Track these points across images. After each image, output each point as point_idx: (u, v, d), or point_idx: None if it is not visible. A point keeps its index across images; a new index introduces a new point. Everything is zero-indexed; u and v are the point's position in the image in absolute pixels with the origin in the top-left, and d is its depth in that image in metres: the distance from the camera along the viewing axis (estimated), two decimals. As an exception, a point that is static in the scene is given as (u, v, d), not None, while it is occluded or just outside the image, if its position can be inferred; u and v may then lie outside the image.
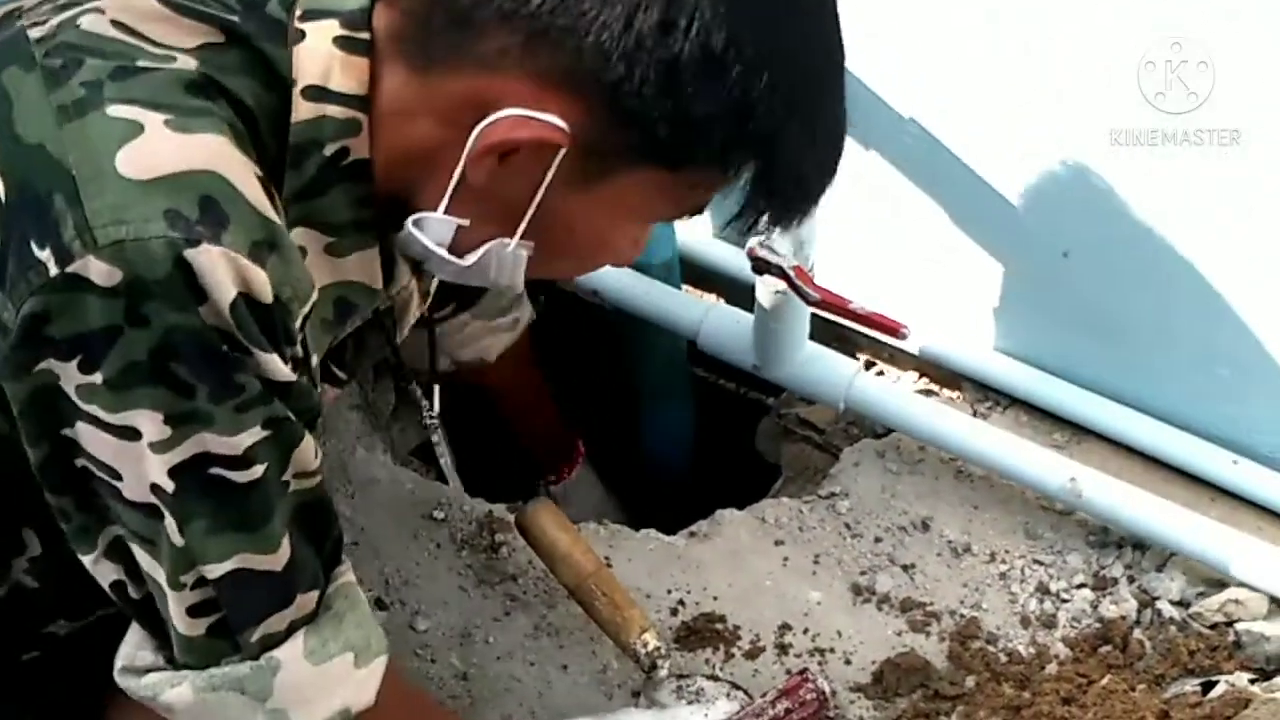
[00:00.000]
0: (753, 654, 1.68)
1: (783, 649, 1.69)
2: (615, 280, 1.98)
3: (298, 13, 1.09)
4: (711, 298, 2.10)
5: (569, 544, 1.64)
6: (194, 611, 1.13)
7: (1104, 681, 1.59)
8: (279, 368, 1.03)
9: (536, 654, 1.69)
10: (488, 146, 1.06)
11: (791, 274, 1.65)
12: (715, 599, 1.74)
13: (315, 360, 1.16)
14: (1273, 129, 1.52)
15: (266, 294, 0.99)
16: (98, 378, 0.98)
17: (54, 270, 0.95)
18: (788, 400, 2.08)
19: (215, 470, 1.04)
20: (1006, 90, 1.63)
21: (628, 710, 1.55)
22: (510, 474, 2.02)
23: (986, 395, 1.92)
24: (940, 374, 1.96)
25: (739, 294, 1.97)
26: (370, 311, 1.25)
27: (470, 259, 1.16)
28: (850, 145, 1.74)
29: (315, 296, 1.07)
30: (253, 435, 1.04)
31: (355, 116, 1.09)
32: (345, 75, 1.08)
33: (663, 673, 1.57)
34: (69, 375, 0.99)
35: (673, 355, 2.17)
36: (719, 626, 1.71)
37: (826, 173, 1.17)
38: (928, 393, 1.96)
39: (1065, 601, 1.71)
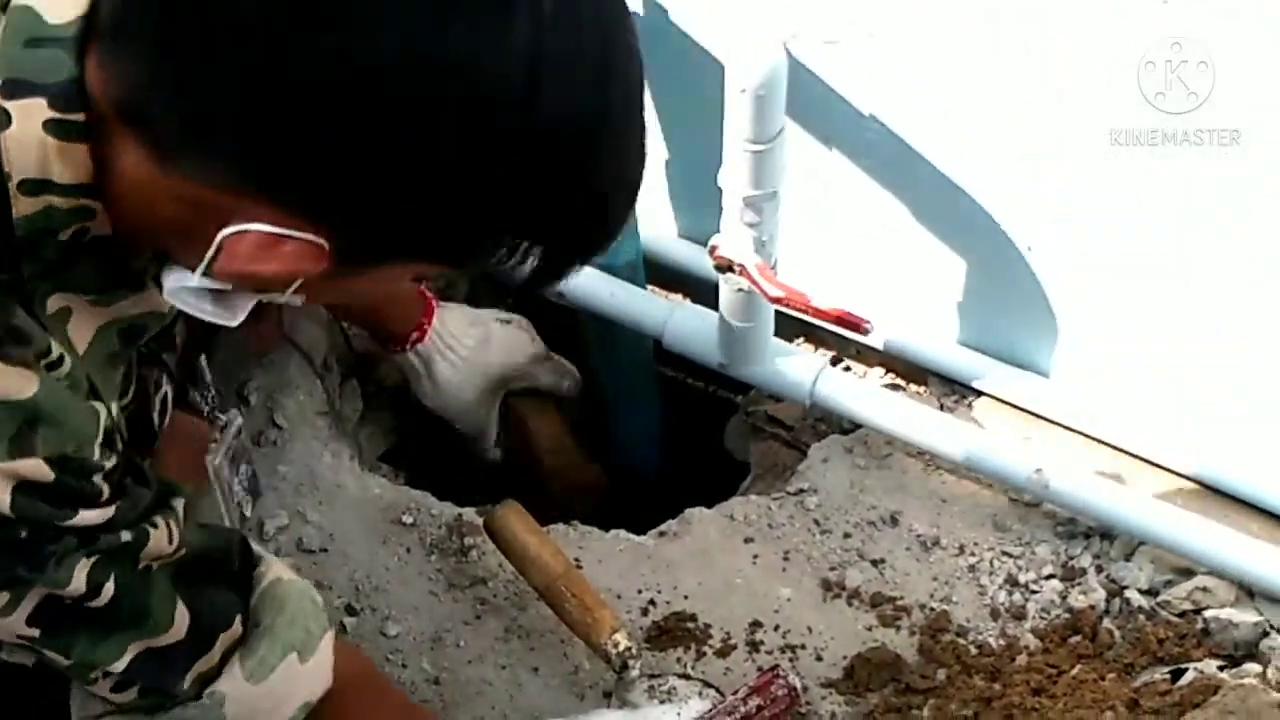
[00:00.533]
0: (724, 652, 1.68)
1: (754, 646, 1.69)
2: (580, 281, 1.97)
3: None
4: (677, 297, 2.10)
5: (538, 546, 1.64)
6: (118, 689, 1.16)
7: (1074, 671, 1.60)
8: (87, 517, 1.03)
9: (508, 657, 1.69)
10: (234, 260, 0.97)
11: (754, 271, 1.66)
12: (686, 598, 1.74)
13: (115, 409, 1.10)
14: (1273, 129, 1.52)
15: (44, 473, 0.98)
16: None
17: None
18: (756, 398, 2.08)
19: (69, 603, 1.06)
20: (1006, 89, 1.63)
21: (600, 711, 1.55)
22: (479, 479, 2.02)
23: (952, 389, 1.93)
24: (906, 368, 1.96)
25: (704, 293, 1.97)
26: (161, 325, 1.18)
27: (237, 319, 1.07)
28: (812, 143, 1.78)
29: (103, 418, 1.04)
30: (85, 568, 1.05)
31: (85, 204, 0.98)
32: (65, 166, 0.96)
33: (634, 673, 1.57)
34: None
35: (639, 355, 2.17)
36: (690, 625, 1.71)
37: (620, 219, 1.06)
38: (894, 387, 1.96)
39: (1034, 593, 1.71)
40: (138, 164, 0.97)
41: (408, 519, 1.81)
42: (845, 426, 1.93)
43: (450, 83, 0.88)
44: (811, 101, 1.71)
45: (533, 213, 0.98)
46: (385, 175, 0.92)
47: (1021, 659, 1.64)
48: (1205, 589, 1.65)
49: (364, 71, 0.87)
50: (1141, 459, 1.81)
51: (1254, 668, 1.58)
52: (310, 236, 0.95)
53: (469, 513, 1.83)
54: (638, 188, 1.05)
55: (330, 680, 1.29)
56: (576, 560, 1.75)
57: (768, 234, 1.65)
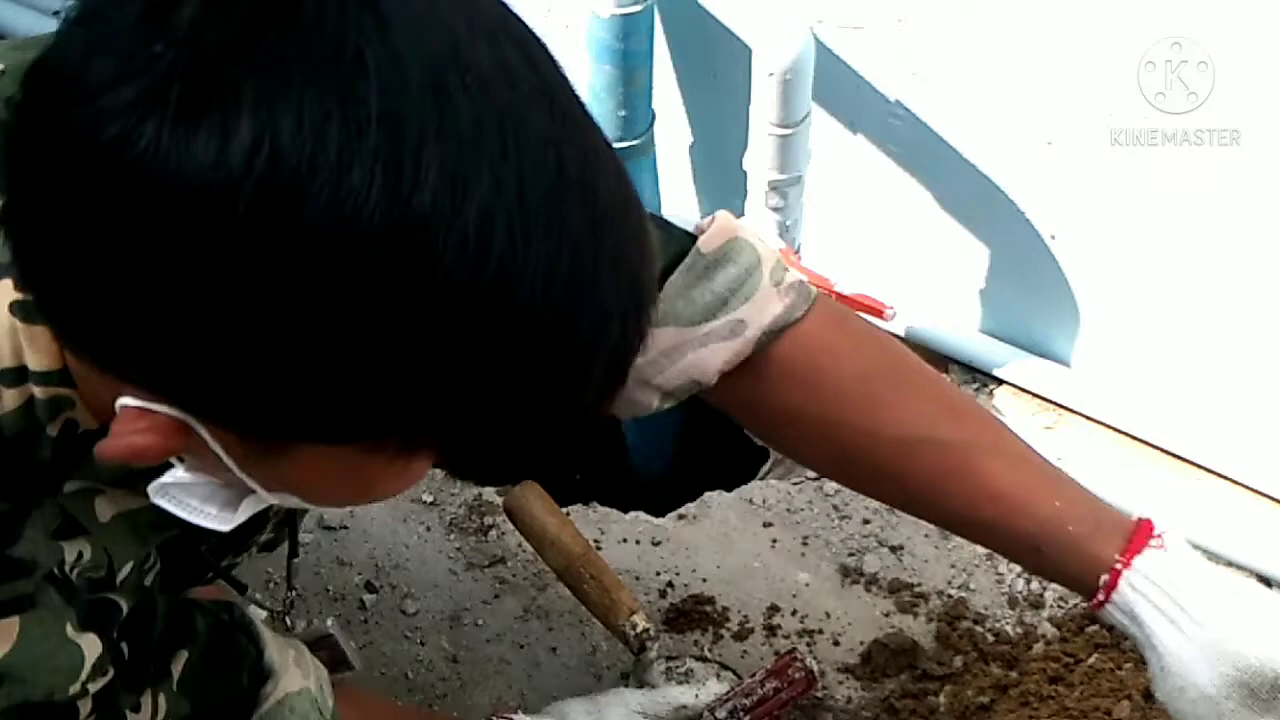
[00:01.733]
0: (741, 635, 1.69)
1: (771, 630, 1.69)
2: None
3: None
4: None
5: (557, 527, 1.64)
6: None
7: (1091, 660, 1.60)
8: None
9: (526, 636, 1.69)
10: (125, 437, 0.81)
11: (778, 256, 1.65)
12: (704, 581, 1.74)
13: (128, 567, 1.05)
14: (1273, 129, 1.52)
15: None
16: None
17: None
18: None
19: None
20: (1029, 77, 1.63)
21: (618, 691, 1.55)
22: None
23: (973, 376, 1.92)
24: (927, 356, 1.95)
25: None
26: None
27: (230, 522, 0.92)
28: (837, 128, 1.78)
29: (94, 654, 1.00)
30: None
31: (61, 393, 0.90)
32: (36, 351, 0.88)
33: (652, 654, 1.57)
34: None
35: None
36: (708, 608, 1.71)
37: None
38: (915, 375, 1.96)
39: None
40: (72, 357, 0.88)
41: (428, 497, 1.82)
42: (867, 412, 1.93)
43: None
44: (837, 86, 1.71)
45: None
46: (224, 355, 0.74)
47: (1039, 647, 1.64)
48: (1224, 580, 1.65)
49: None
50: (1161, 449, 1.81)
51: (1271, 660, 1.58)
52: (171, 411, 0.79)
53: (489, 492, 1.84)
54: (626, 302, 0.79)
55: None
56: (596, 541, 1.75)
57: (792, 219, 1.65)
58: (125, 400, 0.79)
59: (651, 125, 1.84)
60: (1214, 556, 1.66)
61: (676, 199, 2.05)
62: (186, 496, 0.89)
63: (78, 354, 0.83)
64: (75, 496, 0.97)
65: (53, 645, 0.97)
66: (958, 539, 1.76)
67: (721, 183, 1.95)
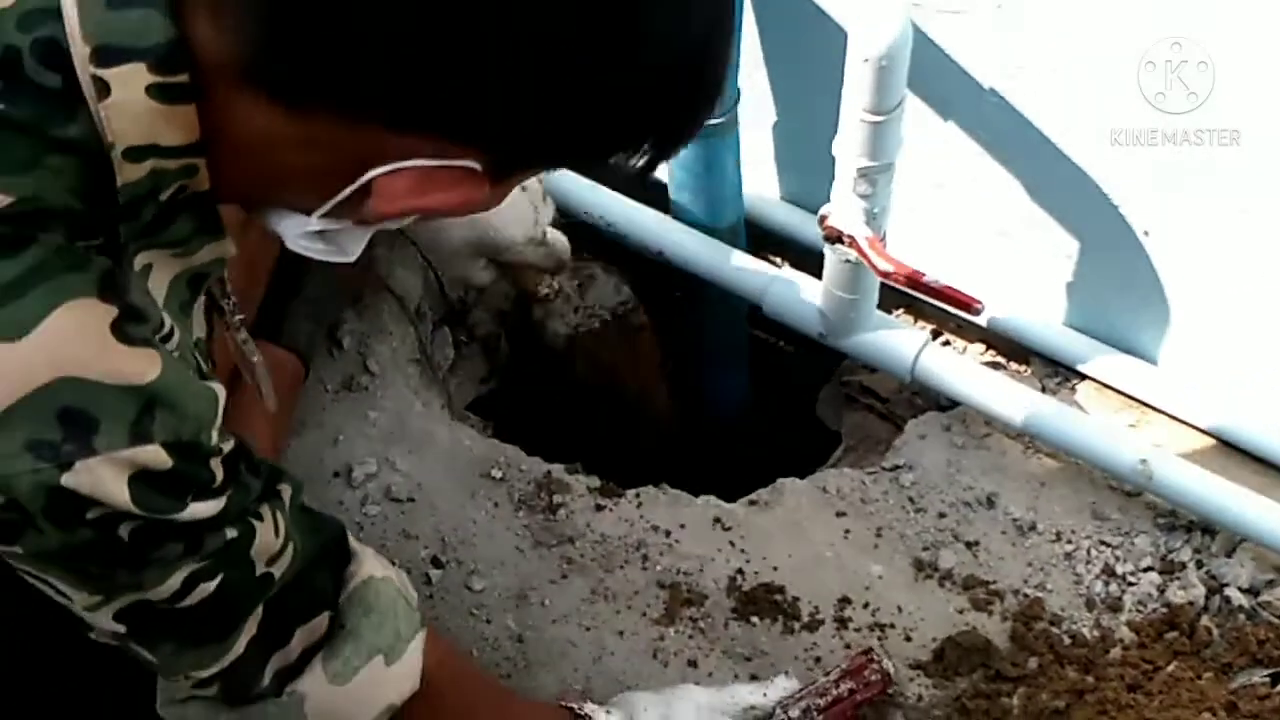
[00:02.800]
0: (812, 626, 1.66)
1: (842, 623, 1.67)
2: (680, 242, 1.95)
3: (85, 51, 0.91)
4: (777, 260, 2.07)
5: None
6: (200, 686, 1.15)
7: (1170, 668, 1.57)
8: (199, 510, 0.99)
9: (593, 619, 1.67)
10: (390, 198, 0.98)
11: (864, 244, 1.62)
12: (775, 569, 1.72)
13: (199, 333, 1.11)
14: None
15: (163, 460, 0.95)
16: (16, 549, 0.96)
17: None
18: (850, 367, 2.05)
19: (162, 607, 1.03)
20: (1128, 70, 1.58)
21: (686, 687, 1.53)
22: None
23: (1056, 370, 1.89)
24: (1009, 347, 1.93)
25: (804, 257, 1.95)
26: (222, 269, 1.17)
27: (351, 255, 1.11)
28: (929, 113, 1.74)
29: (221, 399, 1.02)
30: (186, 571, 1.02)
31: (190, 163, 0.97)
32: (172, 129, 0.94)
33: None
34: None
35: (734, 319, 2.15)
36: (778, 598, 1.69)
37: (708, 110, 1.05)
38: (995, 365, 1.93)
39: (1131, 585, 1.68)
40: (255, 116, 0.94)
41: (497, 473, 1.80)
42: (943, 403, 1.90)
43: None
44: (930, 71, 1.67)
45: (659, 109, 1.00)
46: (539, 94, 0.93)
47: (1116, 652, 1.61)
48: (1309, 590, 1.62)
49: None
50: (1247, 453, 1.77)
51: (1357, 675, 1.55)
52: (465, 162, 0.96)
53: (558, 469, 1.81)
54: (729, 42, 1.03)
55: (418, 683, 1.27)
56: (665, 529, 1.73)
57: (880, 206, 1.61)
58: (415, 162, 0.95)
59: (736, 104, 1.81)
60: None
61: (759, 179, 2.01)
62: (331, 241, 1.07)
63: (342, 123, 0.93)
64: (138, 277, 1.01)
65: (190, 378, 0.99)
66: (1035, 536, 1.73)
67: (805, 165, 1.92)
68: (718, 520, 1.77)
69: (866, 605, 1.68)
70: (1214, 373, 1.78)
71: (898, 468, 1.82)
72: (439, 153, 0.96)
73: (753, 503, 1.81)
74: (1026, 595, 1.68)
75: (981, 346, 1.96)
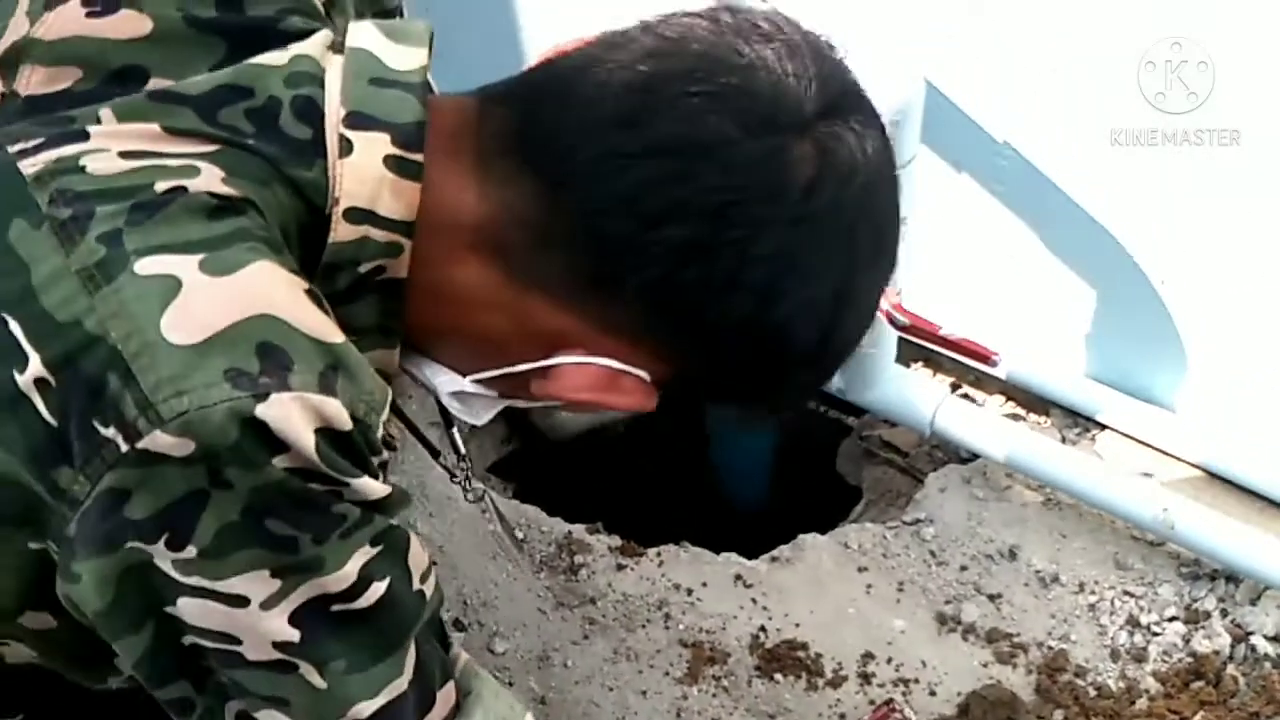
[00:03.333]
0: (835, 683, 1.66)
1: (866, 678, 1.66)
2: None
3: (341, 114, 0.99)
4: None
5: None
6: None
7: (1197, 718, 1.56)
8: (372, 487, 0.97)
9: (615, 679, 1.67)
10: (566, 385, 1.03)
11: (882, 300, 1.63)
12: (797, 625, 1.72)
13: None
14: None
15: (345, 421, 0.93)
16: (192, 550, 0.93)
17: (124, 447, 0.90)
18: (870, 422, 2.05)
19: (338, 607, 0.99)
20: (1141, 122, 1.60)
21: (710, 742, 1.53)
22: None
23: (1076, 421, 1.89)
24: (1028, 399, 1.92)
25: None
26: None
27: (482, 421, 1.14)
28: (943, 167, 1.75)
29: (389, 396, 1.00)
30: (363, 556, 0.98)
31: (398, 241, 1.01)
32: (395, 200, 0.99)
33: None
34: (160, 553, 0.93)
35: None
36: (801, 654, 1.68)
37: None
38: (1014, 417, 1.92)
39: (1156, 635, 1.67)
40: (469, 268, 1.00)
41: (518, 534, 1.80)
42: (963, 455, 1.90)
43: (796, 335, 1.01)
44: (943, 126, 1.68)
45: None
46: (751, 371, 1.02)
47: (1142, 703, 1.60)
48: (1335, 638, 1.61)
49: (767, 321, 0.99)
50: (1268, 500, 1.76)
51: (1385, 723, 1.54)
52: (643, 374, 1.02)
53: (579, 529, 1.81)
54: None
55: None
56: (687, 588, 1.73)
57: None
58: (606, 361, 1.00)
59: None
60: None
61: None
62: (470, 403, 1.10)
63: (560, 310, 1.00)
64: None
65: (365, 360, 1.00)
66: (1058, 588, 1.73)
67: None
68: (739, 577, 1.77)
69: (890, 660, 1.68)
70: (1231, 420, 1.78)
71: (919, 521, 1.82)
72: (630, 360, 1.01)
73: (774, 559, 1.81)
74: (1051, 647, 1.67)
75: (1001, 399, 1.96)
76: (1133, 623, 1.69)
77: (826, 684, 1.66)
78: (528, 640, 1.71)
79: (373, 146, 0.98)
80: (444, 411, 1.20)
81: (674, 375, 1.04)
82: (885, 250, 1.07)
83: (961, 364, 1.94)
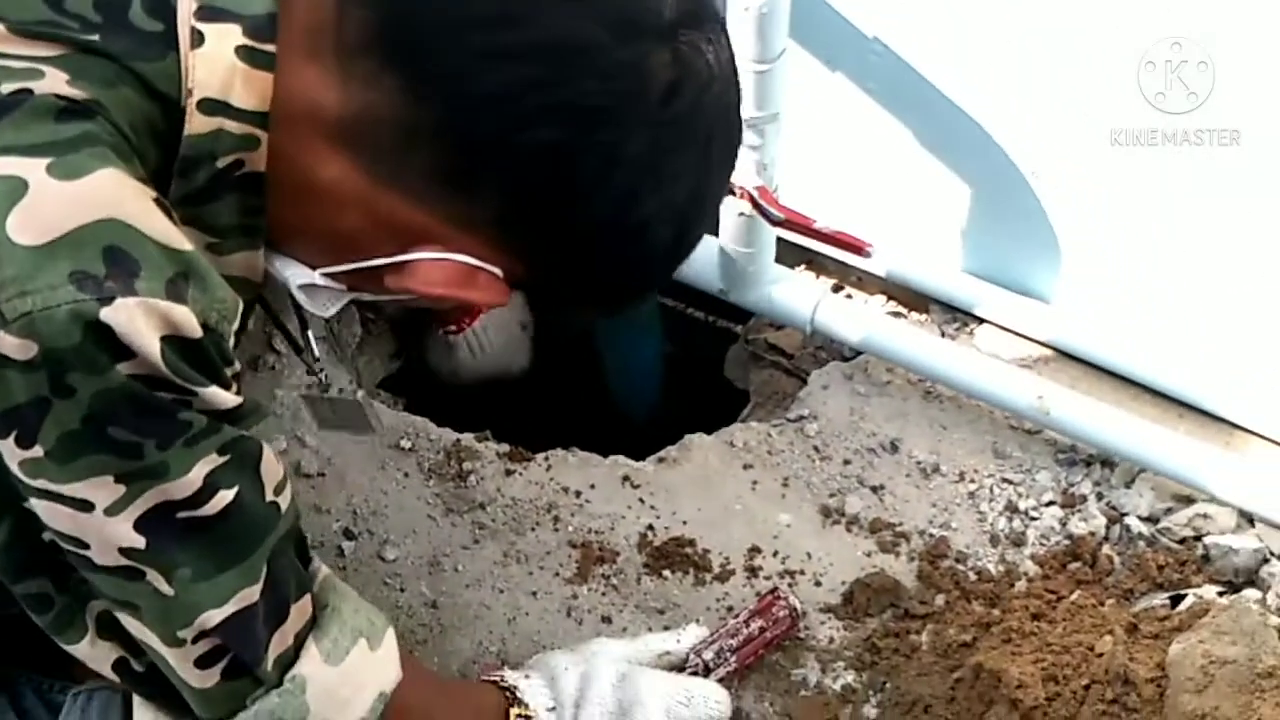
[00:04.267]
0: (723, 577, 1.68)
1: (753, 571, 1.68)
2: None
3: (192, 8, 1.00)
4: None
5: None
6: (202, 663, 1.08)
7: (1073, 597, 1.60)
8: (222, 397, 0.97)
9: (506, 581, 1.68)
10: (421, 280, 1.08)
11: (755, 194, 1.64)
12: (685, 523, 1.74)
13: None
14: (1273, 129, 1.52)
15: (194, 328, 0.93)
16: (38, 450, 0.93)
17: None
18: (756, 326, 2.07)
19: (183, 514, 0.99)
20: (1012, 16, 1.62)
21: (600, 641, 1.54)
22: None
23: (954, 316, 1.92)
24: (907, 296, 1.95)
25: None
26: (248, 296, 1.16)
27: (328, 313, 1.17)
28: (815, 64, 1.76)
29: (240, 306, 1.01)
30: (209, 464, 0.99)
31: (254, 133, 1.02)
32: (247, 90, 1.00)
33: None
34: (10, 450, 0.94)
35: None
36: (689, 550, 1.70)
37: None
38: (896, 315, 1.95)
39: (1034, 519, 1.71)
40: (327, 165, 1.03)
41: (406, 444, 1.80)
42: (845, 354, 1.93)
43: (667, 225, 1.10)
44: (814, 22, 1.69)
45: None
46: (596, 261, 1.10)
47: (1021, 585, 1.64)
48: (1205, 515, 1.65)
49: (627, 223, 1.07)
50: (1142, 386, 1.80)
51: (1254, 594, 1.58)
52: (497, 270, 1.08)
53: (468, 438, 1.82)
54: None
55: (400, 674, 1.24)
56: (575, 490, 1.75)
57: (769, 157, 1.63)
58: (462, 258, 1.06)
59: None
60: (1190, 489, 1.67)
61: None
62: (317, 296, 1.12)
63: (417, 209, 1.04)
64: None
65: (216, 270, 1.01)
66: (939, 478, 1.76)
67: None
68: (627, 479, 1.78)
69: (776, 553, 1.70)
70: (1105, 309, 1.81)
71: (802, 418, 1.84)
72: (486, 257, 1.06)
73: (661, 460, 1.82)
74: (932, 535, 1.71)
75: (883, 298, 1.98)
76: (1011, 509, 1.72)
77: (714, 578, 1.68)
78: (418, 547, 1.71)
79: (224, 37, 0.99)
80: (298, 307, 1.21)
81: (528, 273, 1.09)
82: (732, 155, 1.14)
83: (844, 264, 1.96)
